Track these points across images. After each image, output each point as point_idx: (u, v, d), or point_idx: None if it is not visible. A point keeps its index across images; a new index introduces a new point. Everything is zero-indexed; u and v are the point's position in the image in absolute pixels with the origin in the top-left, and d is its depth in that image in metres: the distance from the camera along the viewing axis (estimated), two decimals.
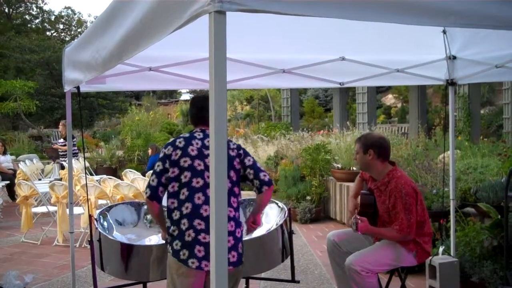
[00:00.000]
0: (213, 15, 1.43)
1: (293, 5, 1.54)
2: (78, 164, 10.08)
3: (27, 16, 37.45)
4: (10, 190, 10.46)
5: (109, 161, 14.40)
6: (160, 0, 1.81)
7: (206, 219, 2.72)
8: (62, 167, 10.37)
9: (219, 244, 1.49)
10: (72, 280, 4.10)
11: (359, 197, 3.74)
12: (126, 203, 4.22)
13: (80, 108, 4.24)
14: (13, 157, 12.82)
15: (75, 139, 10.89)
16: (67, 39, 37.16)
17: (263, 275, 3.95)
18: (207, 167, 2.79)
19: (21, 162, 11.45)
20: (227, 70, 1.48)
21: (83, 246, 6.50)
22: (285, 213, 3.79)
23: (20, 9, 36.88)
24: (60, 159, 10.98)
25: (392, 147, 5.78)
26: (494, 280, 4.13)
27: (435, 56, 4.18)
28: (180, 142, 2.86)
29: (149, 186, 2.85)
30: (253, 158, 2.95)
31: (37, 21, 38.43)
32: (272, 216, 3.95)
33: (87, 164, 12.12)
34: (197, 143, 2.86)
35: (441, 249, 4.38)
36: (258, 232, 3.78)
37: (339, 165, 8.36)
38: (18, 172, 10.09)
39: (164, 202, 2.89)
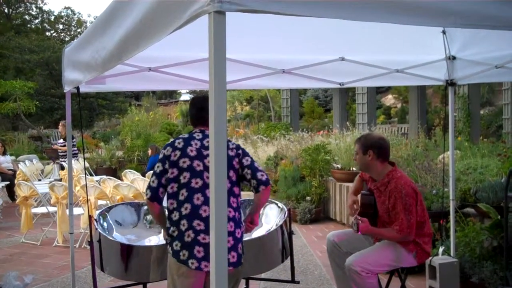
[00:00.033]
0: (213, 15, 1.43)
1: (292, 6, 1.54)
2: (78, 165, 10.08)
3: (26, 16, 37.47)
4: (10, 190, 10.45)
5: (109, 162, 14.40)
6: (160, 0, 1.81)
7: (206, 220, 2.72)
8: (62, 168, 10.37)
9: (219, 244, 1.49)
10: (72, 280, 4.10)
11: (359, 197, 3.74)
12: (126, 204, 4.22)
13: (80, 109, 4.25)
14: (13, 157, 12.82)
15: (74, 140, 10.88)
16: (66, 39, 37.18)
17: (263, 275, 3.94)
18: (206, 168, 2.79)
19: (21, 162, 11.44)
20: (226, 71, 1.48)
21: (83, 246, 6.49)
22: (285, 214, 3.78)
23: (20, 9, 36.87)
24: (60, 159, 10.98)
25: (392, 147, 5.79)
26: (494, 281, 4.12)
27: (434, 57, 4.18)
28: (179, 143, 2.87)
29: (149, 187, 2.85)
30: (251, 158, 2.94)
31: (36, 21, 38.47)
32: (272, 217, 3.95)
33: (87, 165, 12.12)
34: (196, 144, 2.86)
35: (441, 249, 4.38)
36: (258, 233, 3.78)
37: (339, 166, 8.36)
38: (18, 172, 10.09)
39: (164, 203, 2.89)
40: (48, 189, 7.15)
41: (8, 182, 10.29)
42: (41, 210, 7.53)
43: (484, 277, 4.19)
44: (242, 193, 3.03)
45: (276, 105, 23.27)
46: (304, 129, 13.70)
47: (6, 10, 35.61)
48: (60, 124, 11.38)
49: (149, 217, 3.95)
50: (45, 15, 38.83)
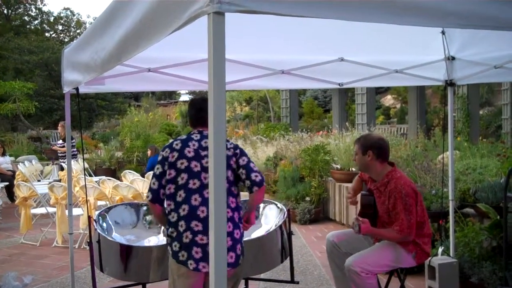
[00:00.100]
0: (212, 16, 1.43)
1: (291, 6, 1.54)
2: (77, 165, 10.07)
3: (26, 17, 37.44)
4: (9, 191, 10.45)
5: (108, 162, 14.40)
6: (160, 1, 1.81)
7: (203, 221, 2.72)
8: (61, 168, 10.37)
9: (218, 245, 1.49)
10: (71, 281, 4.10)
11: (359, 197, 3.74)
12: (125, 204, 4.22)
13: (79, 109, 4.25)
14: (12, 158, 12.82)
15: (74, 140, 10.86)
16: (66, 40, 37.20)
17: (262, 276, 3.94)
18: (203, 168, 2.79)
19: (20, 163, 11.44)
20: (226, 71, 1.48)
21: (82, 247, 6.49)
22: (284, 214, 3.78)
23: (19, 10, 36.85)
24: (59, 160, 10.98)
25: (391, 147, 5.78)
26: (493, 281, 4.13)
27: (434, 57, 4.18)
28: (177, 144, 2.87)
29: (150, 189, 2.85)
30: (248, 158, 2.92)
31: (36, 22, 38.45)
32: (271, 217, 3.95)
33: (86, 165, 12.10)
34: (193, 145, 2.87)
35: (440, 249, 4.38)
36: (257, 233, 3.78)
37: (338, 166, 8.36)
38: (17, 173, 10.08)
39: None
40: (47, 190, 7.15)
41: (7, 183, 10.29)
42: (41, 210, 7.53)
43: (483, 277, 4.19)
44: (242, 193, 3.02)
45: (275, 105, 23.28)
46: (304, 130, 13.71)
47: (5, 11, 35.60)
48: (59, 124, 11.37)
49: (148, 217, 3.95)
50: (44, 16, 38.84)
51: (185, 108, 21.91)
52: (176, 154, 2.83)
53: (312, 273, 5.35)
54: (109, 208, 4.04)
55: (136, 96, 33.47)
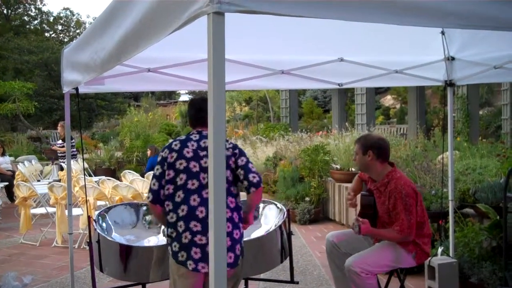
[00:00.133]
0: (212, 16, 1.43)
1: (291, 6, 1.54)
2: (77, 165, 10.07)
3: (25, 17, 37.45)
4: (9, 191, 10.45)
5: (108, 162, 14.40)
6: (160, 1, 1.81)
7: (202, 221, 2.72)
8: (61, 168, 10.36)
9: (218, 245, 1.49)
10: (71, 281, 4.10)
11: (359, 198, 3.74)
12: (125, 204, 4.21)
13: (79, 109, 4.25)
14: (12, 158, 12.82)
15: (73, 140, 10.86)
16: (65, 40, 37.20)
17: (262, 276, 3.94)
18: (202, 169, 2.79)
19: (19, 163, 11.44)
20: (225, 71, 1.48)
21: (82, 247, 6.48)
22: (284, 214, 3.78)
23: (19, 10, 36.86)
24: (59, 160, 10.97)
25: (391, 148, 5.78)
26: (493, 281, 4.13)
27: (433, 57, 4.18)
28: (176, 145, 2.88)
29: (150, 190, 2.86)
30: (247, 158, 2.91)
31: (35, 22, 38.46)
32: (271, 217, 3.95)
33: (86, 165, 12.10)
34: (192, 145, 2.87)
35: (440, 250, 4.38)
36: (257, 233, 3.78)
37: (338, 166, 8.36)
38: (17, 173, 10.08)
39: None
40: (47, 190, 7.14)
41: (7, 183, 10.29)
42: (40, 210, 7.52)
43: (483, 277, 4.19)
44: (242, 193, 3.02)
45: (275, 105, 23.28)
46: (303, 130, 13.72)
47: (5, 11, 35.61)
48: (59, 125, 11.36)
49: (148, 217, 3.95)
50: (44, 16, 38.85)
51: (184, 108, 21.92)
52: (175, 155, 2.83)
53: (312, 273, 5.35)
54: (109, 208, 4.04)
55: (136, 96, 33.48)
